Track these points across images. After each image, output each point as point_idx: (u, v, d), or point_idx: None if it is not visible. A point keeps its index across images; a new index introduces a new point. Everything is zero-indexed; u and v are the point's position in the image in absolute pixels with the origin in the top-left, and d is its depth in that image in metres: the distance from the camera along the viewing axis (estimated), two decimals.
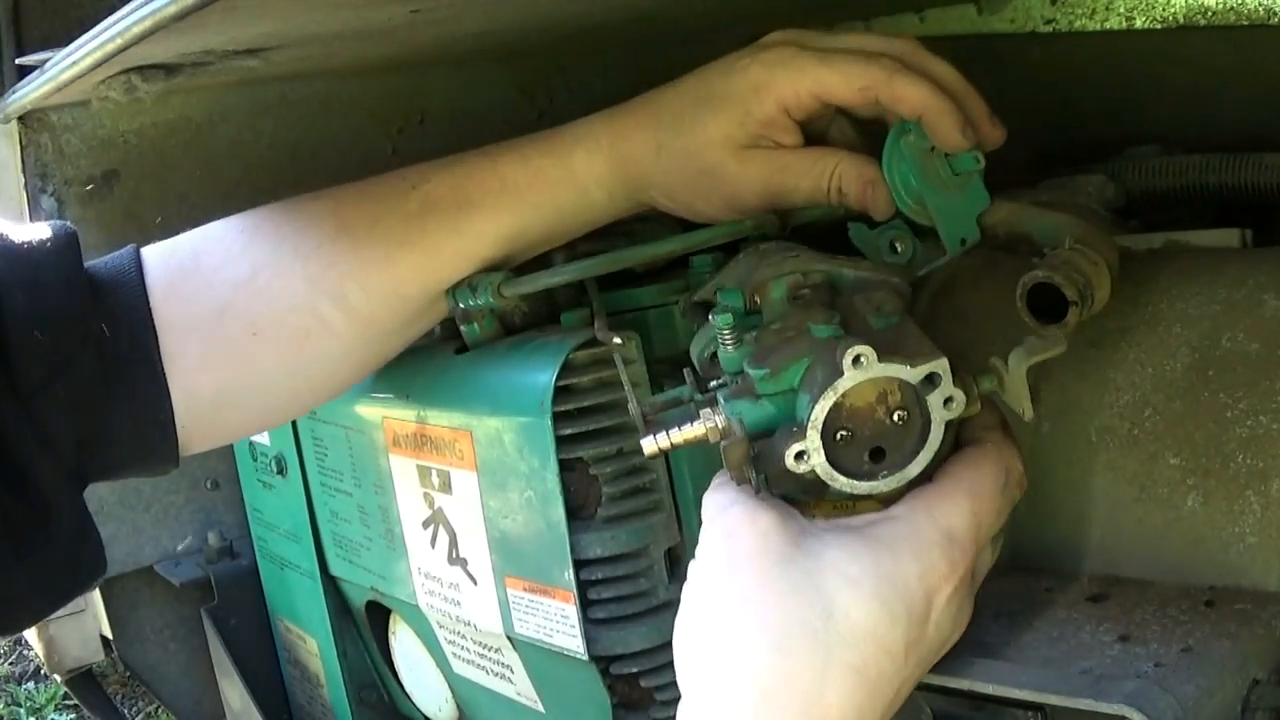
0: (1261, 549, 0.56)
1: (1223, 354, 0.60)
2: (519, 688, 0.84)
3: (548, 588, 0.74)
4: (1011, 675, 0.52)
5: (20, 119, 1.02)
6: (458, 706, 0.97)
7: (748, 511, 0.52)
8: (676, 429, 0.54)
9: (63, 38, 0.77)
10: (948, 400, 0.50)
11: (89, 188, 1.08)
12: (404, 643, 1.00)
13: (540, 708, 0.83)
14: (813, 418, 0.49)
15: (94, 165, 1.07)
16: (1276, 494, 0.56)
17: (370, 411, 0.89)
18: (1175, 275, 0.65)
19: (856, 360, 0.48)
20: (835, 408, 0.49)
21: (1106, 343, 0.64)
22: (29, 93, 0.89)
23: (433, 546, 0.85)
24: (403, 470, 0.86)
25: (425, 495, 0.84)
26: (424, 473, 0.83)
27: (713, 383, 0.57)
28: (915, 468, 0.51)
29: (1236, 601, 0.56)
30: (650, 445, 0.55)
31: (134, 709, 1.49)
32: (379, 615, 1.02)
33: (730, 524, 0.52)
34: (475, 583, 0.81)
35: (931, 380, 0.50)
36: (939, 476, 0.53)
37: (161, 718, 1.49)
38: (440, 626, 0.90)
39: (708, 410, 0.53)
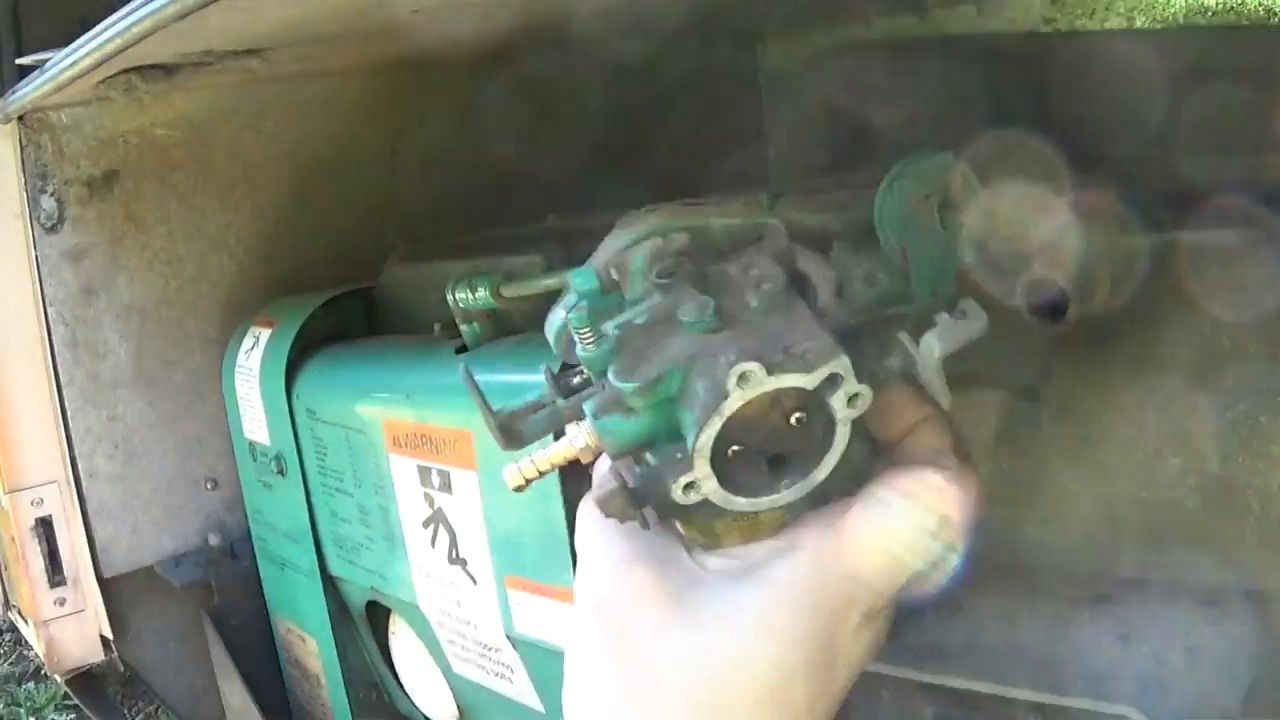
0: (1261, 549, 0.56)
1: (1223, 354, 0.60)
2: (519, 688, 0.84)
3: (548, 588, 0.74)
4: (1011, 675, 0.52)
5: (20, 119, 1.02)
6: (458, 706, 0.97)
7: (618, 574, 0.46)
8: (541, 453, 0.47)
9: (63, 38, 0.77)
10: (852, 398, 0.44)
11: (89, 188, 1.08)
12: (404, 643, 1.00)
13: (540, 708, 0.83)
14: (699, 446, 0.43)
15: (94, 165, 1.07)
16: (1276, 494, 0.56)
17: (370, 411, 0.89)
18: (1175, 275, 0.65)
19: (743, 378, 0.42)
20: (722, 427, 0.43)
21: (1107, 343, 0.64)
22: (29, 93, 0.89)
23: (433, 546, 0.85)
24: (403, 470, 0.86)
25: (425, 495, 0.84)
26: (424, 473, 0.83)
27: (575, 378, 0.51)
28: (821, 472, 0.45)
29: (1236, 601, 0.56)
30: (514, 477, 0.48)
31: (134, 709, 1.49)
32: (379, 615, 1.02)
33: (601, 592, 0.46)
34: (475, 583, 0.81)
35: (832, 381, 0.43)
36: (861, 498, 0.46)
37: (161, 718, 1.49)
38: (440, 626, 0.90)
39: (574, 426, 0.46)
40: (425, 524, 0.85)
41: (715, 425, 0.42)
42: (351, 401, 0.90)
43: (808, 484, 0.45)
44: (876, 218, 0.62)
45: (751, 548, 0.46)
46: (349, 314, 1.05)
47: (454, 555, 0.82)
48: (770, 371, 0.42)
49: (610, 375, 0.45)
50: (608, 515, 0.46)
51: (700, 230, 0.51)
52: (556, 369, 0.51)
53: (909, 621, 0.64)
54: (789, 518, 0.47)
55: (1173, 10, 0.56)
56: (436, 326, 0.90)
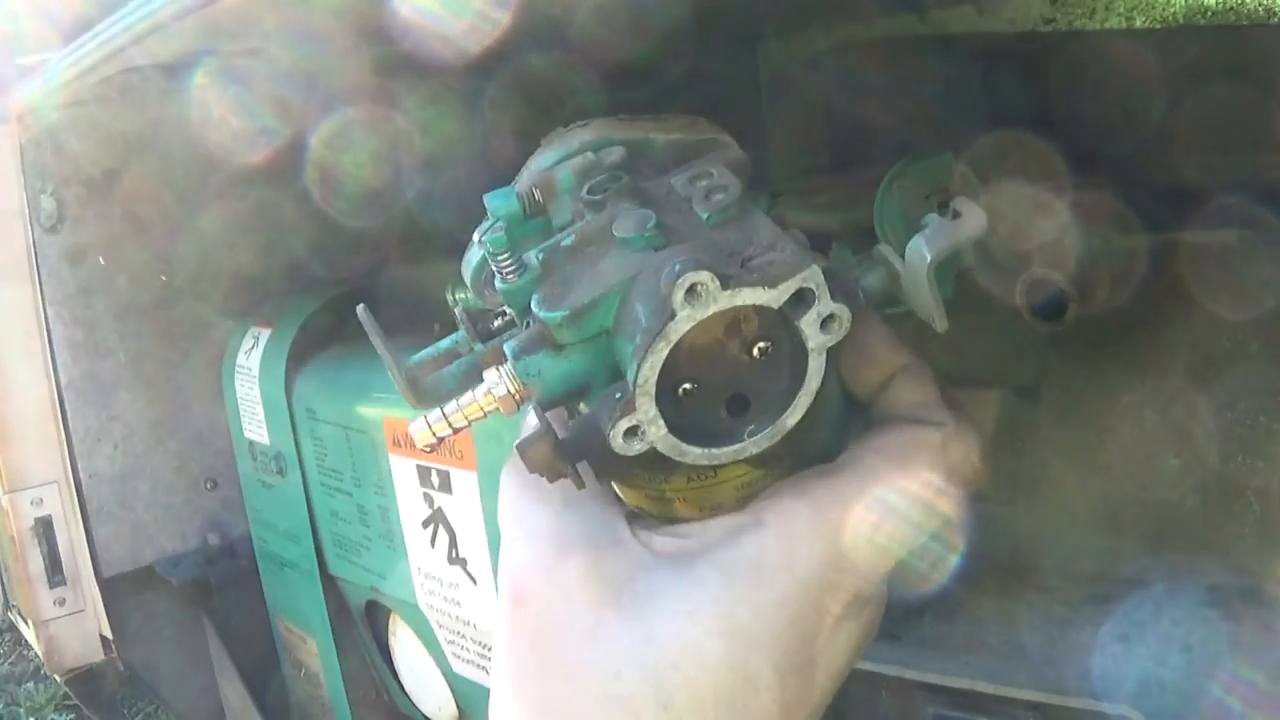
0: (1261, 549, 0.56)
1: (1223, 354, 0.60)
2: None
3: None
4: (1011, 675, 0.52)
5: (20, 119, 1.02)
6: (458, 706, 0.97)
7: (543, 561, 0.37)
8: (454, 404, 0.39)
9: (62, 38, 0.77)
10: (827, 320, 0.35)
11: (89, 188, 1.08)
12: (404, 643, 1.00)
13: None
14: (640, 381, 0.34)
15: (94, 165, 1.07)
16: (1276, 494, 0.56)
17: (370, 411, 0.89)
18: (1175, 275, 0.65)
19: (692, 292, 0.34)
20: (670, 357, 0.35)
21: (1106, 343, 0.64)
22: (29, 93, 0.89)
23: (433, 546, 0.85)
24: (403, 470, 0.86)
25: (425, 495, 0.84)
26: (424, 473, 0.83)
27: (496, 321, 0.43)
28: (793, 416, 0.36)
29: (1236, 601, 0.56)
30: (422, 433, 0.39)
31: (134, 709, 1.49)
32: (379, 615, 1.02)
33: (522, 585, 0.37)
34: (475, 582, 0.81)
35: (802, 299, 0.35)
36: (841, 464, 0.38)
37: (161, 718, 1.49)
38: (440, 626, 0.89)
39: (493, 372, 0.38)
40: (425, 524, 0.85)
41: (660, 352, 0.34)
42: (351, 401, 0.90)
43: (776, 430, 0.36)
44: (876, 217, 0.62)
45: (709, 524, 0.38)
46: (349, 314, 1.05)
47: (454, 555, 0.82)
48: (725, 285, 0.34)
49: (534, 306, 0.37)
50: (531, 469, 0.37)
51: (640, 145, 0.43)
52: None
53: (909, 621, 0.64)
54: (756, 482, 0.39)
55: (1172, 10, 0.56)
56: (436, 326, 0.90)
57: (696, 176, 0.40)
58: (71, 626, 1.15)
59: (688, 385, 0.36)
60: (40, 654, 1.17)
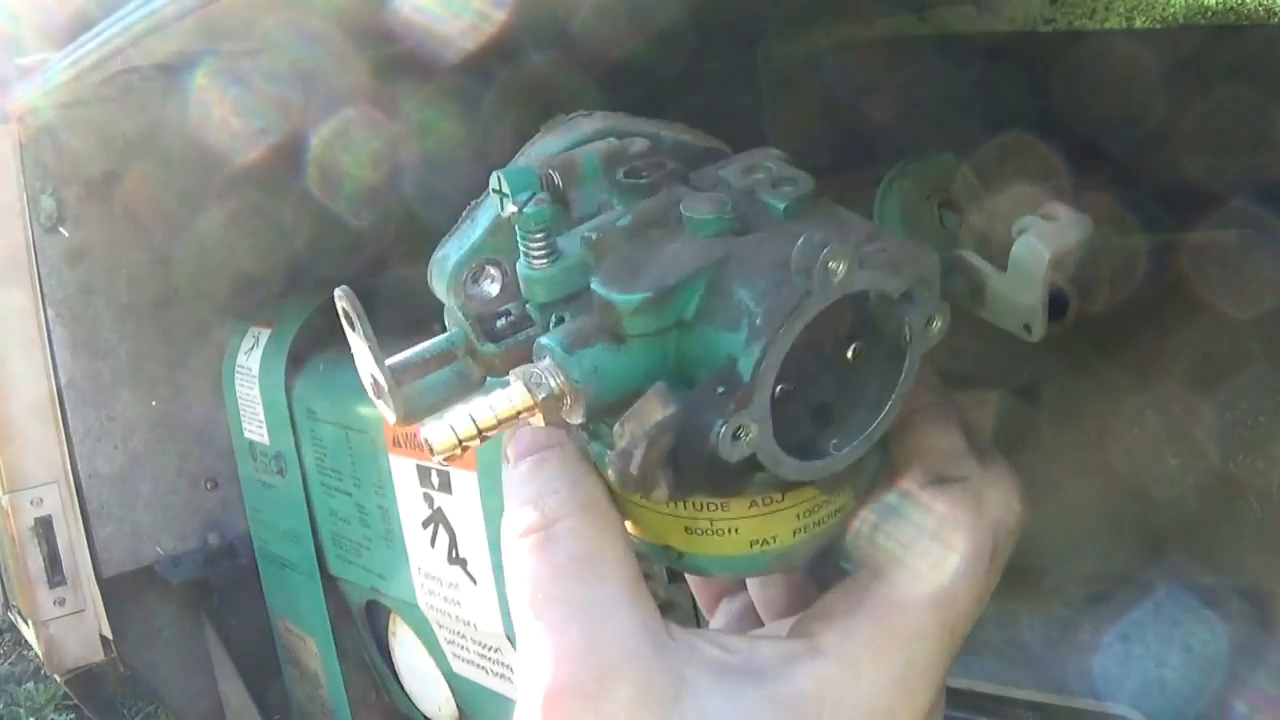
0: (1261, 549, 0.56)
1: (1223, 354, 0.60)
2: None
3: None
4: (1011, 675, 0.52)
5: (20, 119, 1.02)
6: (458, 706, 0.97)
7: (585, 689, 0.31)
8: (483, 404, 0.33)
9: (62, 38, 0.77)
10: (930, 320, 0.33)
11: (89, 188, 1.08)
12: (404, 643, 1.00)
13: None
14: (762, 369, 0.30)
15: (94, 165, 1.07)
16: (1277, 494, 0.56)
17: (370, 411, 0.89)
18: (1176, 275, 0.65)
19: (826, 271, 0.30)
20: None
21: (1107, 343, 0.64)
22: (29, 93, 0.89)
23: (433, 546, 0.85)
24: (403, 470, 0.86)
25: (425, 495, 0.84)
26: (424, 473, 0.83)
27: (500, 321, 0.37)
28: (884, 425, 0.33)
29: (1236, 601, 0.56)
30: (445, 440, 0.33)
31: (134, 709, 1.49)
32: (379, 615, 1.02)
33: (542, 665, 0.31)
34: (475, 583, 0.81)
35: (911, 294, 0.33)
36: (881, 566, 0.34)
37: (161, 718, 1.49)
38: (440, 626, 0.89)
39: (537, 368, 0.32)
40: (425, 524, 0.85)
41: (791, 334, 0.30)
42: (351, 401, 0.90)
43: (867, 440, 0.33)
44: (876, 218, 0.62)
45: (757, 645, 0.33)
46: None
47: (454, 555, 0.82)
48: (863, 264, 0.31)
49: (600, 288, 0.32)
50: (640, 471, 0.31)
51: (655, 139, 0.40)
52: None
53: None
54: (817, 509, 0.35)
55: (1173, 10, 0.56)
56: (436, 327, 0.90)
57: (750, 169, 0.36)
58: (71, 626, 1.15)
59: (783, 387, 0.31)
60: (40, 654, 1.17)
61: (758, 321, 0.30)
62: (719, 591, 0.43)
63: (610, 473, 0.32)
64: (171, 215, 1.12)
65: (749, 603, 0.42)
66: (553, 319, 0.34)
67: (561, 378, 0.32)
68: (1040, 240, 0.38)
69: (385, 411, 0.35)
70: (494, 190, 0.35)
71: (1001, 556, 0.35)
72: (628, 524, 0.35)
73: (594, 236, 0.33)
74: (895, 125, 0.79)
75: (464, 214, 0.38)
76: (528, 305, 0.35)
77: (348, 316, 0.34)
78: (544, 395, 0.32)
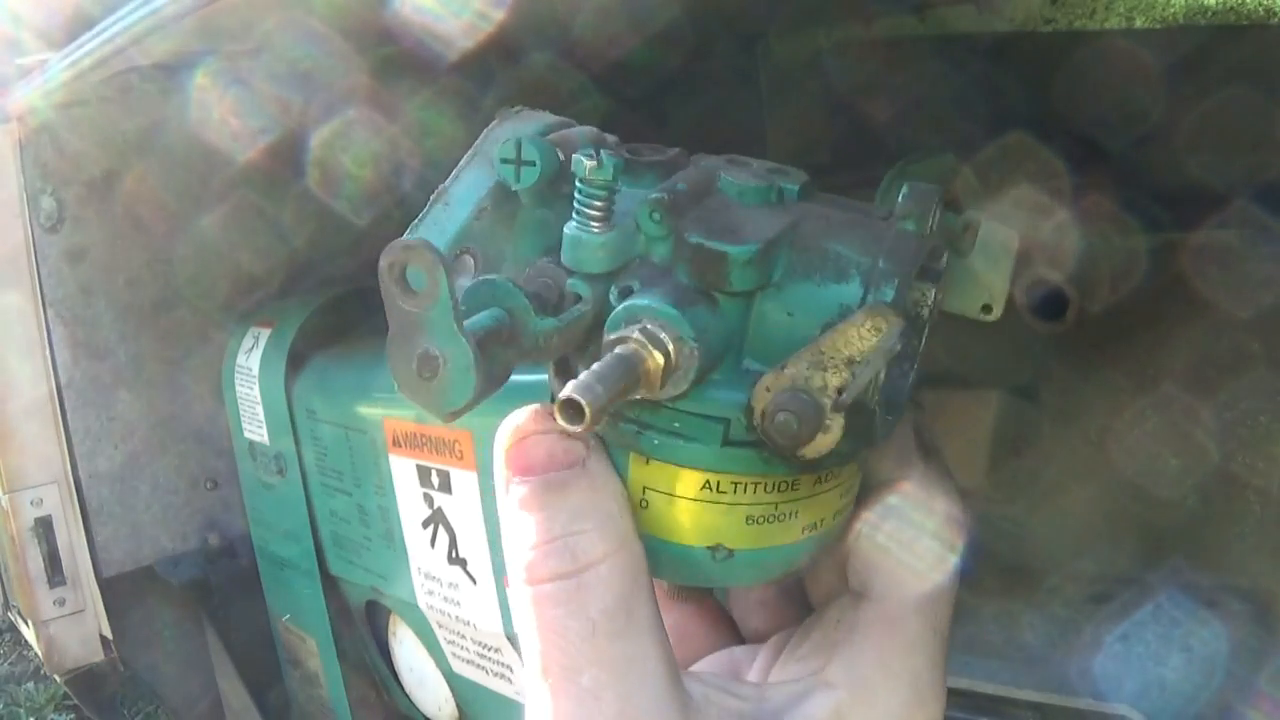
0: (1261, 549, 0.56)
1: (1223, 354, 0.60)
2: (519, 688, 0.84)
3: None
4: (1011, 675, 0.52)
5: (20, 119, 1.02)
6: (458, 706, 0.97)
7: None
8: (592, 381, 0.28)
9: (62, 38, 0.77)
10: (937, 294, 0.34)
11: (89, 188, 1.08)
12: (404, 643, 1.00)
13: None
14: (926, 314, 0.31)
15: (94, 165, 1.07)
16: (1276, 494, 0.56)
17: (370, 411, 0.89)
18: (1175, 275, 0.65)
19: (935, 216, 0.31)
20: None
21: (1106, 343, 0.64)
22: (29, 93, 0.89)
23: (432, 546, 0.85)
24: (403, 470, 0.86)
25: (425, 495, 0.84)
26: (424, 473, 0.83)
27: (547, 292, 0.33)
28: (905, 395, 0.33)
29: (1236, 601, 0.56)
30: (579, 408, 0.27)
31: (134, 709, 1.49)
32: (379, 615, 1.02)
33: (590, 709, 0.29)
34: (475, 582, 0.81)
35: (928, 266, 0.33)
36: (874, 595, 0.34)
37: (161, 718, 1.49)
38: (440, 626, 0.89)
39: (639, 330, 0.29)
40: (425, 524, 0.85)
41: (913, 271, 0.30)
42: (351, 401, 0.90)
43: (899, 413, 0.33)
44: None
45: (766, 692, 0.33)
46: (349, 314, 1.05)
47: (454, 555, 0.82)
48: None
49: (703, 239, 0.30)
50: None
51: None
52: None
53: None
54: (853, 488, 0.34)
55: (1173, 10, 0.56)
56: None
57: (731, 162, 0.35)
58: (71, 626, 1.15)
59: None
60: (40, 654, 1.17)
61: (880, 264, 0.30)
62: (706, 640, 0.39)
63: (825, 401, 0.29)
64: (171, 215, 1.12)
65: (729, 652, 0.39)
66: (614, 290, 0.31)
67: (676, 338, 0.29)
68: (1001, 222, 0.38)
69: (430, 402, 0.29)
70: (505, 160, 0.33)
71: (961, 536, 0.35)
72: (664, 530, 0.32)
73: (665, 198, 0.31)
74: (895, 125, 0.80)
75: (433, 199, 0.35)
76: (571, 279, 0.32)
77: (404, 278, 0.28)
78: (660, 363, 0.29)
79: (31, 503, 1.10)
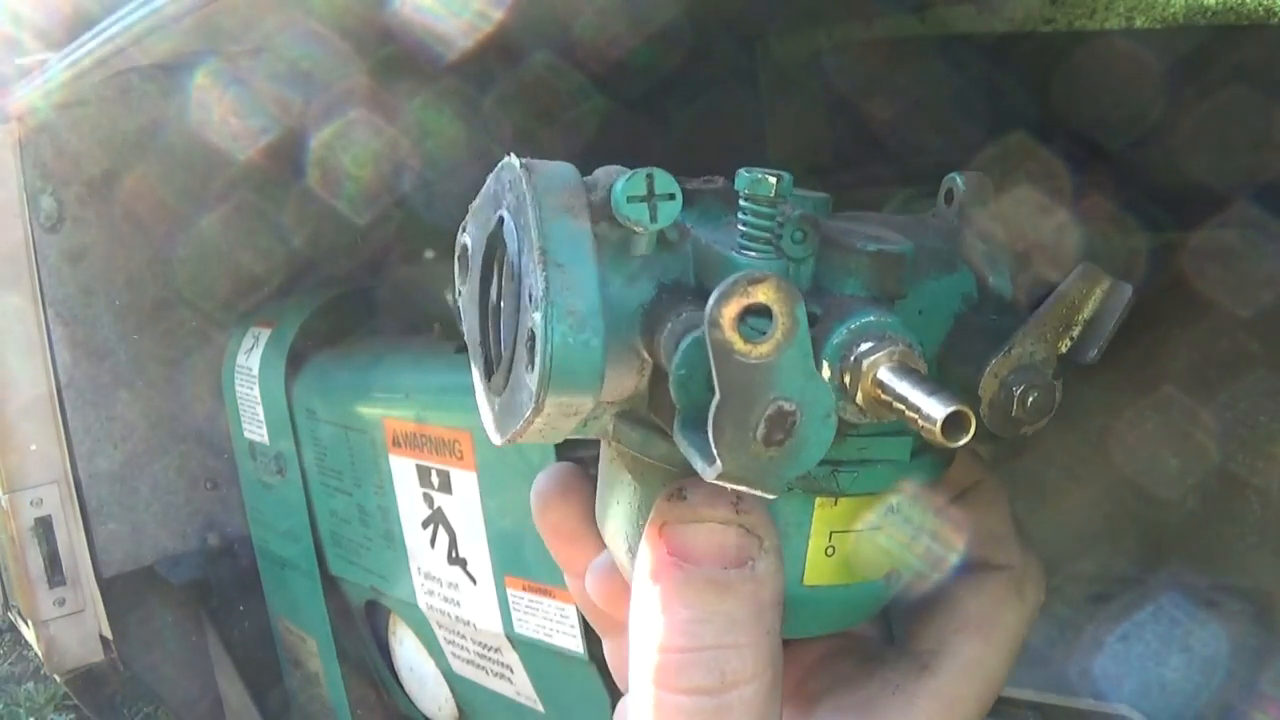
0: (1261, 549, 0.56)
1: (1223, 354, 0.60)
2: (518, 687, 0.84)
3: (548, 588, 0.74)
4: (1011, 675, 0.52)
5: (20, 119, 1.02)
6: (458, 706, 0.97)
7: None
8: (908, 387, 0.25)
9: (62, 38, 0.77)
10: None
11: (89, 188, 1.08)
12: (404, 643, 1.00)
13: (540, 707, 0.83)
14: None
15: (94, 165, 1.07)
16: (1276, 494, 0.56)
17: (370, 411, 0.88)
18: (1176, 275, 0.65)
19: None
20: None
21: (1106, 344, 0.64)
22: (29, 93, 0.89)
23: (432, 546, 0.85)
24: (403, 470, 0.86)
25: (425, 495, 0.84)
26: (424, 473, 0.83)
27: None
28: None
29: (1236, 602, 0.56)
30: (966, 410, 0.24)
31: (134, 709, 1.49)
32: (379, 615, 1.02)
33: None
34: (475, 582, 0.81)
35: None
36: (931, 653, 0.33)
37: (161, 718, 1.49)
38: (440, 626, 0.89)
39: (888, 345, 0.26)
40: (425, 524, 0.85)
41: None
42: (351, 401, 0.90)
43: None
44: None
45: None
46: (349, 314, 1.05)
47: (454, 555, 0.82)
48: None
49: (880, 246, 0.29)
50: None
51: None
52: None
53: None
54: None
55: (1172, 10, 0.56)
56: (436, 326, 0.90)
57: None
58: (71, 627, 1.15)
59: None
60: (40, 654, 1.17)
61: (981, 246, 0.31)
62: None
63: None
64: (171, 215, 1.12)
65: None
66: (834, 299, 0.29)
67: (906, 348, 0.26)
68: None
69: (778, 469, 0.25)
70: (633, 199, 0.28)
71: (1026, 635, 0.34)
72: (848, 572, 0.31)
73: (812, 216, 0.29)
74: (895, 125, 0.80)
75: (533, 265, 0.28)
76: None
77: (748, 323, 0.25)
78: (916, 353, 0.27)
79: (31, 503, 1.10)
